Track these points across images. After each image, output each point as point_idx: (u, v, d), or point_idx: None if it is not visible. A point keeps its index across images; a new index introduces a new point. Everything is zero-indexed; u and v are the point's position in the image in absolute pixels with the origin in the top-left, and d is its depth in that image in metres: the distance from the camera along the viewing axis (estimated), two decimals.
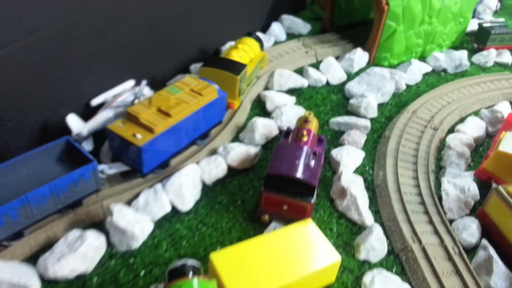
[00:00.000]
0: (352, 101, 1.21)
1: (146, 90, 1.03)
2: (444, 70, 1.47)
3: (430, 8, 1.42)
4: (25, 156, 0.79)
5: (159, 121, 0.85)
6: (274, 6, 1.62)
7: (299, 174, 0.80)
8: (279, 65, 1.35)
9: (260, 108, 1.20)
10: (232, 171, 0.97)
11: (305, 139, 0.91)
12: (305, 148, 0.86)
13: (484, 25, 1.56)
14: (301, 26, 1.61)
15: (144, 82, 1.03)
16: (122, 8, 1.01)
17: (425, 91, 1.34)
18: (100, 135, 0.96)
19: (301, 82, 1.28)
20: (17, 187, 0.76)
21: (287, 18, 1.62)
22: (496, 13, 1.96)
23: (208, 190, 0.93)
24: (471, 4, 1.55)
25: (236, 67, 1.10)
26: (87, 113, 0.98)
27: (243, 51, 1.19)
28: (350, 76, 1.38)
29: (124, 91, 1.03)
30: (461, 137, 1.11)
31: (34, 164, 0.80)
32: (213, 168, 0.93)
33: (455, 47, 1.63)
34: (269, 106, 1.17)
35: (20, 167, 0.78)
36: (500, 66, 1.53)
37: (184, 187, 0.86)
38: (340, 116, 1.18)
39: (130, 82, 1.07)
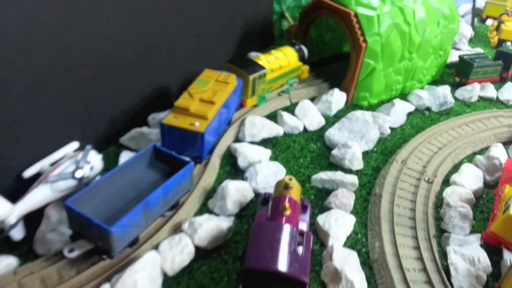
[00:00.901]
0: (335, 152, 1.07)
1: (92, 155, 0.86)
2: (428, 109, 1.35)
3: (410, 43, 1.31)
4: (119, 167, 0.81)
5: (207, 109, 0.96)
6: (240, 44, 1.49)
7: (285, 267, 0.64)
8: (250, 111, 1.20)
9: (230, 164, 1.04)
10: (200, 253, 0.80)
11: (287, 212, 0.75)
12: (289, 228, 0.70)
13: (465, 57, 1.47)
14: None
15: (88, 147, 0.85)
16: (62, 56, 0.84)
17: (411, 134, 1.22)
18: (35, 217, 0.78)
19: (276, 130, 1.14)
20: (119, 196, 0.79)
21: (254, 56, 1.48)
22: (470, 41, 1.89)
23: (171, 283, 0.75)
24: (451, 36, 1.46)
25: (253, 68, 1.17)
26: (19, 189, 0.79)
27: (274, 57, 1.28)
28: (329, 120, 1.24)
29: (66, 157, 0.85)
30: (459, 191, 0.98)
31: (127, 173, 0.83)
32: (176, 253, 0.76)
33: (436, 81, 1.53)
34: (241, 162, 1.01)
35: (115, 178, 0.80)
36: (485, 101, 1.44)
37: (140, 287, 0.68)
38: (323, 170, 1.04)
39: (73, 145, 0.89)
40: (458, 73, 1.50)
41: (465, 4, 2.18)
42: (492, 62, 1.46)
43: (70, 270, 0.72)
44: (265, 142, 1.12)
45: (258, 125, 1.12)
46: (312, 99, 1.32)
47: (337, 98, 1.28)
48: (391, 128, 1.24)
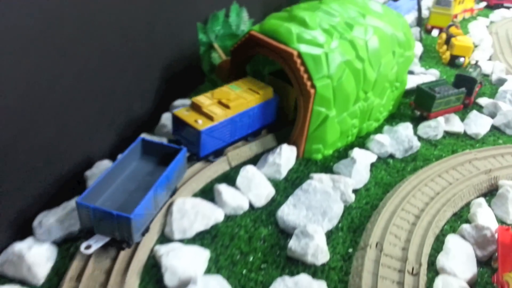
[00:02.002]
0: (293, 245, 0.82)
1: None
2: (392, 156, 1.15)
3: (365, 82, 1.10)
4: (115, 164, 0.83)
5: (219, 111, 0.96)
6: (160, 90, 1.21)
7: None
8: (178, 186, 0.93)
9: (154, 282, 0.76)
10: None
11: None
12: None
13: (424, 88, 1.27)
14: None
15: None
16: None
17: (378, 195, 1.01)
18: None
19: (214, 216, 0.87)
20: (120, 190, 0.82)
21: (179, 104, 1.21)
22: (421, 58, 1.72)
23: None
24: (407, 65, 1.26)
25: None
26: None
27: None
28: (279, 186, 1.00)
29: None
30: (451, 283, 0.77)
31: (123, 168, 0.86)
32: None
33: (393, 114, 1.34)
34: (169, 280, 0.74)
35: (113, 174, 0.83)
36: (452, 137, 1.25)
37: None
38: (280, 271, 0.79)
39: None
40: (417, 105, 1.30)
41: (408, 15, 2.02)
42: (455, 91, 1.28)
43: None
44: (201, 238, 0.85)
45: (190, 213, 0.85)
46: (257, 158, 1.07)
47: (286, 157, 1.04)
48: (355, 190, 1.01)
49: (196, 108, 0.98)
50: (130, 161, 0.89)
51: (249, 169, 0.98)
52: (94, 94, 0.93)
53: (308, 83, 1.00)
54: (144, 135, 1.01)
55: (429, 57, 1.76)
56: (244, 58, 1.14)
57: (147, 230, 0.80)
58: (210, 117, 0.95)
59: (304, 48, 1.00)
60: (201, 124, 0.93)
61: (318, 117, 1.05)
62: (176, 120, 0.96)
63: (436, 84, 1.32)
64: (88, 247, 0.73)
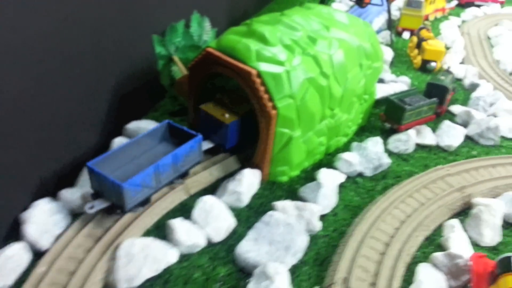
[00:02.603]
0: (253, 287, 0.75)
1: None
2: (361, 174, 1.09)
3: (331, 99, 1.03)
4: (136, 138, 0.92)
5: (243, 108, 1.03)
6: (120, 110, 1.13)
7: None
8: (126, 222, 0.85)
9: None
10: None
11: None
12: None
13: (394, 99, 1.22)
14: None
15: None
16: None
17: (346, 220, 0.95)
18: None
19: (166, 259, 0.80)
20: (134, 163, 0.90)
21: (134, 128, 1.12)
22: (392, 64, 1.67)
23: None
24: (376, 76, 1.21)
25: None
26: None
27: None
28: (241, 216, 0.93)
29: None
30: None
31: (142, 145, 0.94)
32: None
33: (363, 127, 1.28)
34: None
35: (131, 149, 0.91)
36: (424, 150, 1.20)
37: None
38: None
39: None
40: (387, 117, 1.25)
41: (378, 18, 1.97)
42: (426, 101, 1.23)
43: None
44: (151, 282, 0.78)
45: (138, 257, 0.78)
46: (219, 183, 1.00)
47: (249, 183, 0.97)
48: (322, 215, 0.95)
49: (221, 103, 1.05)
50: (151, 141, 0.96)
51: (207, 200, 0.91)
52: (27, 131, 0.84)
53: (269, 104, 0.93)
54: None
55: (400, 62, 1.71)
56: (203, 76, 1.07)
57: (147, 201, 0.88)
58: (235, 113, 1.02)
59: (264, 66, 0.93)
60: (228, 118, 1.00)
61: (282, 139, 0.98)
62: (204, 114, 1.03)
63: (407, 94, 1.26)
64: (91, 207, 0.81)
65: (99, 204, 0.83)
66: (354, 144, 1.15)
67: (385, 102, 1.27)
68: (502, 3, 2.56)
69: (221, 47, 0.99)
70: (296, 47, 0.98)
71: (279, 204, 0.93)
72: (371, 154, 1.09)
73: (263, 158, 1.01)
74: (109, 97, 1.10)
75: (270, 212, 0.88)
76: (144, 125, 1.13)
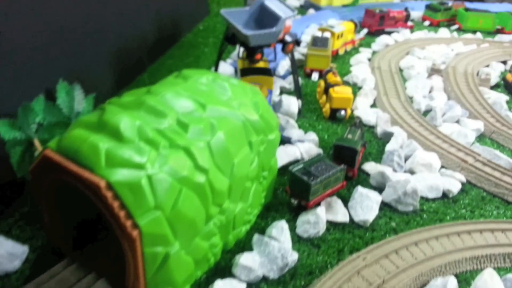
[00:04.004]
0: None
1: None
2: (265, 279, 0.90)
3: (214, 195, 0.84)
4: None
5: None
6: None
7: None
8: None
9: None
10: None
11: None
12: None
13: (297, 173, 1.05)
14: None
15: None
16: None
17: None
18: None
19: None
20: None
21: None
22: (299, 114, 1.51)
23: None
24: (273, 148, 1.03)
25: None
26: None
27: None
28: None
29: None
30: None
31: None
32: None
33: (269, 204, 1.10)
34: None
35: None
36: (337, 230, 1.04)
37: None
38: None
39: None
40: (293, 193, 1.07)
41: (284, 61, 1.83)
42: (333, 170, 1.07)
43: None
44: None
45: None
46: None
47: None
48: None
49: None
50: None
51: None
52: None
53: (128, 223, 0.71)
54: None
55: (309, 111, 1.56)
56: (49, 183, 0.83)
57: None
58: None
59: (116, 174, 0.71)
60: None
61: (155, 260, 0.76)
62: None
63: (312, 162, 1.10)
64: None
65: None
66: (255, 237, 0.95)
67: (289, 174, 1.09)
68: (411, 28, 2.54)
69: (63, 148, 0.76)
70: (161, 140, 0.78)
71: None
72: (274, 251, 0.90)
73: (136, 283, 0.78)
74: None
75: None
76: None
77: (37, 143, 1.11)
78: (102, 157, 0.72)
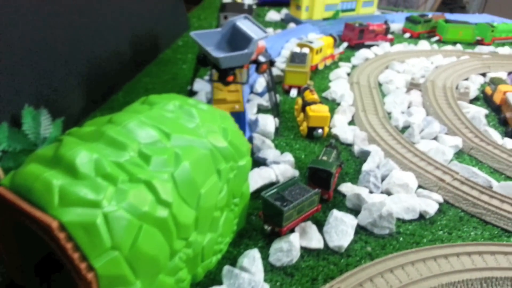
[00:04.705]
0: None
1: None
2: None
3: (179, 229, 0.80)
4: None
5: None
6: None
7: None
8: None
9: None
10: None
11: None
12: None
13: (269, 198, 1.02)
14: None
15: None
16: None
17: None
18: None
19: None
20: None
21: None
22: (277, 133, 1.49)
23: None
24: (244, 173, 1.00)
25: None
26: None
27: None
28: None
29: None
30: None
31: None
32: None
33: (242, 231, 1.07)
34: None
35: None
36: (312, 258, 1.01)
37: None
38: None
39: None
40: (266, 218, 1.04)
41: (262, 78, 1.80)
42: (308, 194, 1.04)
43: None
44: None
45: None
46: None
47: None
48: None
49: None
50: None
51: None
52: None
53: (83, 265, 0.68)
54: None
55: (287, 128, 1.54)
56: (4, 220, 0.79)
57: None
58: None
59: (70, 214, 0.68)
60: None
61: None
62: None
63: (286, 186, 1.07)
64: None
65: None
66: (225, 269, 0.92)
67: (261, 198, 1.06)
68: (391, 41, 2.54)
69: (16, 186, 0.72)
70: (120, 174, 0.74)
71: None
72: (244, 284, 0.87)
73: None
74: None
75: None
76: None
77: (0, 172, 1.07)
78: (55, 196, 0.69)
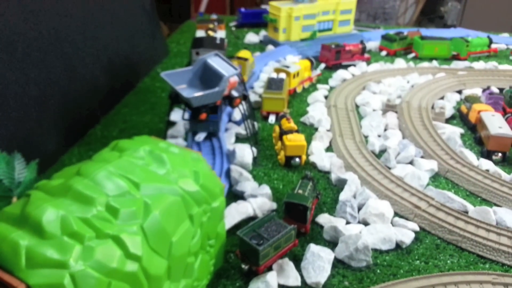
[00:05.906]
0: None
1: None
2: None
3: (150, 281, 0.80)
4: None
5: None
6: None
7: None
8: None
9: None
10: None
11: None
12: None
13: (245, 237, 1.02)
14: None
15: None
16: None
17: None
18: None
19: None
20: None
21: None
22: (255, 163, 1.49)
23: None
24: (218, 215, 1.00)
25: None
26: None
27: None
28: None
29: None
30: None
31: None
32: None
33: (220, 270, 1.06)
34: None
35: None
36: None
37: None
38: None
39: None
40: (243, 257, 1.04)
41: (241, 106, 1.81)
42: (284, 230, 1.04)
43: None
44: None
45: None
46: None
47: None
48: None
49: None
50: None
51: None
52: None
53: None
54: None
55: (266, 157, 1.55)
56: None
57: None
58: None
59: (37, 276, 0.67)
60: None
61: None
62: None
63: (262, 222, 1.07)
64: None
65: None
66: None
67: (238, 237, 1.06)
68: (368, 60, 2.58)
69: None
70: (87, 231, 0.74)
71: None
72: None
73: None
74: None
75: None
76: None
77: None
78: (22, 257, 0.68)
